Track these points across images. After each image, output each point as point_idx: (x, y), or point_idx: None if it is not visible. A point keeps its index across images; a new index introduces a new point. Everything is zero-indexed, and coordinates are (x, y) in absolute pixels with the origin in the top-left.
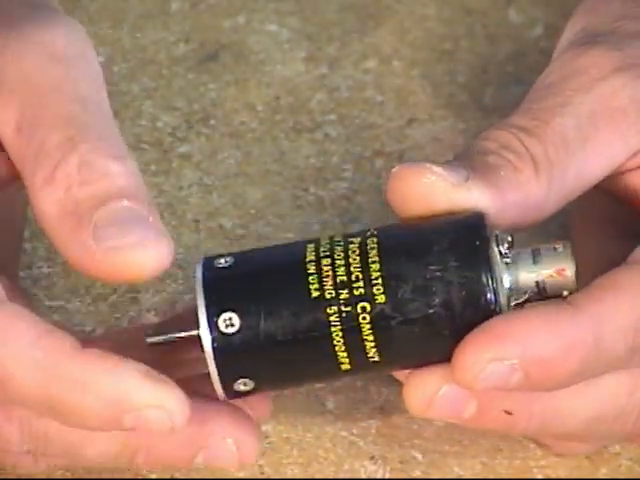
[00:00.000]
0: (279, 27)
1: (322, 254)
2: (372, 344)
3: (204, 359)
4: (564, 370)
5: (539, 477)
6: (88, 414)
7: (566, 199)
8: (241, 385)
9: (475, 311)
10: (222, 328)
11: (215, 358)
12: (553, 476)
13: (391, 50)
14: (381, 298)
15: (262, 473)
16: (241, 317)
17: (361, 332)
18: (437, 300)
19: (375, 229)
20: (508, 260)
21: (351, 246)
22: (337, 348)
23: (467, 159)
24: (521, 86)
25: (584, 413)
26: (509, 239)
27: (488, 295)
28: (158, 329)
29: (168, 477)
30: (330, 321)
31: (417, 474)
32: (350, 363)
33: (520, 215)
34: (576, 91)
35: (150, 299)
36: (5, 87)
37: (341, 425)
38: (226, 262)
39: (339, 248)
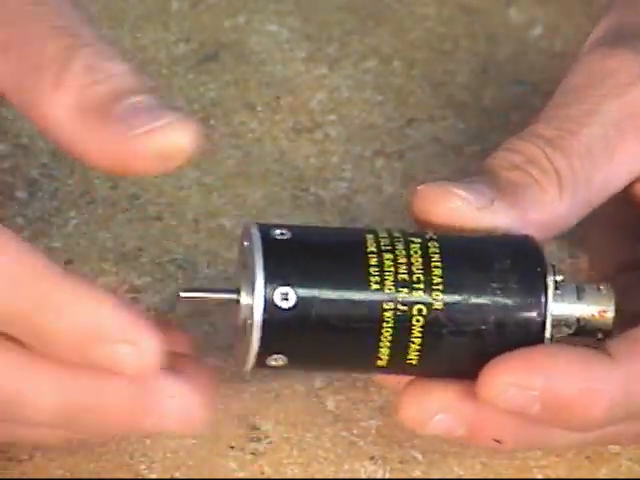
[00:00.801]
0: (279, 27)
1: (383, 247)
2: (416, 347)
3: (241, 326)
4: (586, 415)
5: (539, 477)
6: (58, 338)
7: (589, 209)
8: (273, 360)
9: (524, 336)
10: (277, 301)
11: (262, 329)
12: (553, 476)
13: (391, 50)
14: (438, 304)
15: (262, 473)
16: (298, 294)
17: (410, 334)
18: (492, 317)
19: (434, 234)
20: (558, 292)
21: (412, 246)
22: (382, 344)
23: (492, 175)
24: (521, 86)
25: (574, 441)
26: (561, 270)
27: (540, 323)
28: (193, 285)
29: (168, 477)
30: (384, 316)
31: (417, 474)
32: (388, 361)
33: (542, 232)
34: (603, 97)
35: (150, 299)
36: None
37: (341, 425)
38: (283, 234)
39: (400, 245)
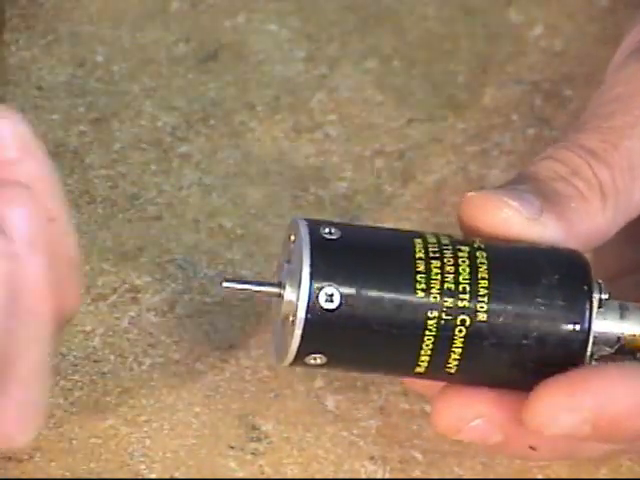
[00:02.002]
0: (279, 27)
1: (431, 254)
2: (457, 357)
3: (282, 321)
4: (632, 428)
5: (539, 477)
6: None
7: (628, 221)
8: (312, 359)
9: (566, 354)
10: (321, 301)
11: (304, 328)
12: (553, 476)
13: (391, 50)
14: (483, 316)
15: (262, 473)
16: (342, 295)
17: (452, 343)
18: (535, 333)
19: (481, 242)
20: (602, 310)
21: (460, 254)
22: (422, 351)
23: (537, 183)
24: (521, 86)
25: (607, 451)
26: (606, 288)
27: (583, 342)
28: (238, 276)
29: (168, 477)
30: (428, 324)
31: (417, 474)
32: (426, 368)
33: (583, 244)
34: None
35: (150, 299)
36: None
37: (341, 425)
38: (331, 233)
39: (448, 253)
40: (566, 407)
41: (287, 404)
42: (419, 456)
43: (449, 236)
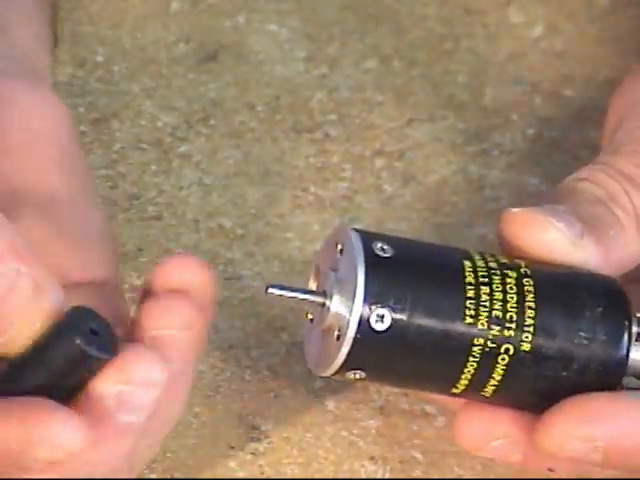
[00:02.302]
0: (279, 27)
1: (481, 279)
2: (495, 383)
3: (326, 331)
4: None
5: (539, 477)
6: None
7: None
8: (352, 374)
9: (601, 387)
10: (372, 321)
11: (351, 347)
12: (554, 476)
13: (391, 50)
14: (527, 346)
15: (262, 473)
16: (393, 318)
17: (494, 370)
18: (575, 366)
19: (527, 267)
20: (637, 343)
21: (508, 280)
22: (464, 375)
23: (575, 205)
24: (521, 86)
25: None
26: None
27: (619, 375)
28: (283, 283)
29: (168, 477)
30: (472, 351)
31: (417, 474)
32: (463, 389)
33: (617, 269)
34: None
35: None
36: None
37: (341, 425)
38: (384, 251)
39: (497, 278)
40: (579, 436)
41: (287, 404)
42: (419, 456)
43: (494, 257)
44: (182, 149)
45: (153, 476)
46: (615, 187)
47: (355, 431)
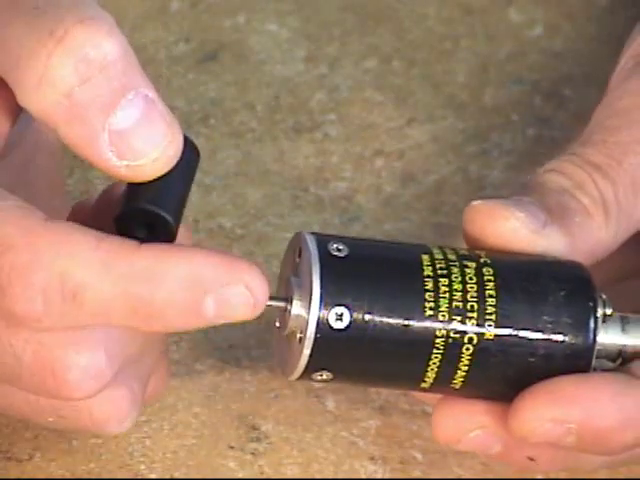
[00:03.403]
0: (279, 27)
1: (439, 272)
2: (462, 374)
3: (289, 335)
4: (618, 441)
5: (539, 477)
6: (167, 305)
7: (629, 236)
8: (319, 375)
9: (570, 370)
10: (331, 321)
11: (312, 347)
12: (553, 476)
13: (391, 50)
14: (490, 335)
15: (262, 473)
16: (352, 315)
17: (459, 361)
18: (541, 352)
19: (487, 257)
20: (605, 324)
21: (467, 270)
22: (429, 368)
23: (541, 196)
24: (521, 86)
25: (606, 463)
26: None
27: (588, 358)
28: None
29: (168, 477)
30: (435, 343)
31: (417, 474)
32: (432, 383)
33: (586, 257)
34: None
35: None
36: None
37: (341, 425)
38: (340, 251)
39: (455, 269)
40: (551, 418)
41: (287, 404)
42: (419, 456)
43: (454, 250)
44: None
45: (153, 476)
46: (582, 176)
47: (355, 431)
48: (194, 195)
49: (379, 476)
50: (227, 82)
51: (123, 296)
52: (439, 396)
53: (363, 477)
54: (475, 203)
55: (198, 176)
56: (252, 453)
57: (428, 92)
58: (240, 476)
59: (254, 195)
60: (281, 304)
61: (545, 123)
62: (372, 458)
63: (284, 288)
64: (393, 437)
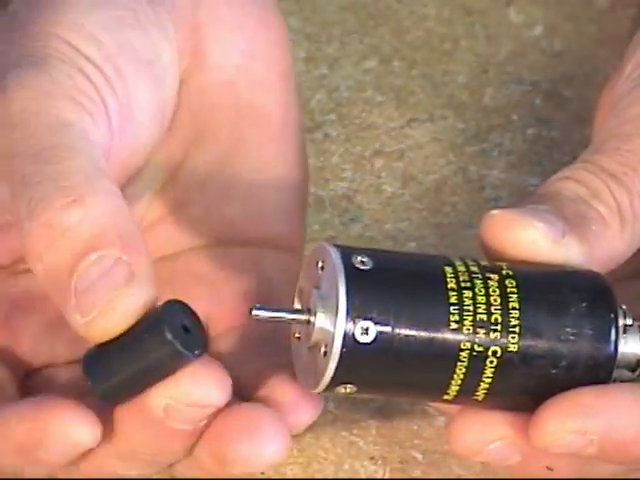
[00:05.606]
0: None
1: (463, 284)
2: (486, 386)
3: (312, 347)
4: (639, 451)
5: (539, 477)
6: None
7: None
8: (342, 388)
9: (592, 381)
10: (357, 335)
11: (338, 362)
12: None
13: (391, 50)
14: (514, 347)
15: (262, 473)
16: (378, 329)
17: (483, 373)
18: (564, 363)
19: (508, 268)
20: (624, 335)
21: (490, 283)
22: (453, 381)
23: (558, 204)
24: (521, 86)
25: (621, 468)
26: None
27: (609, 369)
28: (267, 304)
29: (168, 477)
30: (460, 356)
31: (417, 474)
32: (455, 395)
33: (602, 266)
34: None
35: None
36: None
37: (341, 425)
38: (364, 264)
39: (479, 282)
40: (573, 430)
41: None
42: (419, 456)
43: (476, 262)
44: None
45: (153, 476)
46: (598, 184)
47: (355, 431)
48: None
49: (379, 476)
50: None
51: None
52: (457, 406)
53: (363, 477)
54: (493, 212)
55: None
56: None
57: (428, 92)
58: (240, 476)
59: None
60: (303, 317)
61: (545, 123)
62: (372, 458)
63: (305, 300)
64: (393, 437)
